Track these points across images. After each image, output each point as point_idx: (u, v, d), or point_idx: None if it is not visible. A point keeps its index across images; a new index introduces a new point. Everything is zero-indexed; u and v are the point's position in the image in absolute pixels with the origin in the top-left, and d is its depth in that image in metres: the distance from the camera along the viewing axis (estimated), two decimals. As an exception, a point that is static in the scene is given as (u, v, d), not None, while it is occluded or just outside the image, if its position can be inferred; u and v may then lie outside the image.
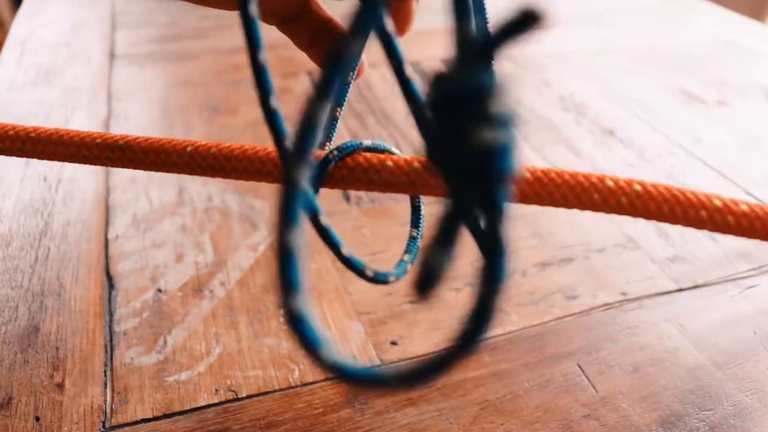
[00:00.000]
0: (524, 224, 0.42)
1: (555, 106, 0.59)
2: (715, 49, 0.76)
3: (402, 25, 0.25)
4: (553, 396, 0.30)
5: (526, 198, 0.20)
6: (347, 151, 0.20)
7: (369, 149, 0.21)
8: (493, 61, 0.12)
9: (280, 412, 0.29)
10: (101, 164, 0.21)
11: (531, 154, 0.51)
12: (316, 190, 0.19)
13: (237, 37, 0.66)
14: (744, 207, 0.19)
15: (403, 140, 0.52)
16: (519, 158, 0.12)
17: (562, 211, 0.44)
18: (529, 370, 0.31)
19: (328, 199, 0.44)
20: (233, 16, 0.26)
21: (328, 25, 0.27)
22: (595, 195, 0.19)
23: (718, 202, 0.19)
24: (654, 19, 0.86)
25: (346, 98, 0.23)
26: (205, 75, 0.62)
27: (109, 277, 0.36)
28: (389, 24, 0.21)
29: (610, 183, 0.19)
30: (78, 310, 0.34)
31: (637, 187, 0.19)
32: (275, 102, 0.17)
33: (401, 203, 0.44)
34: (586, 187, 0.19)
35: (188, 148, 0.22)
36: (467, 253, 0.39)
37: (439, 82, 0.12)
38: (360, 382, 0.14)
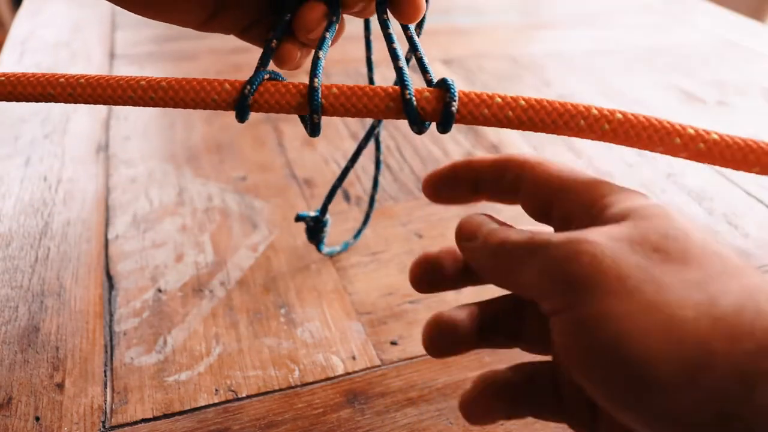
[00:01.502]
0: (524, 224, 0.42)
1: (555, 106, 0.59)
2: (715, 48, 0.76)
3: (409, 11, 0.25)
4: (553, 396, 0.30)
5: (522, 124, 0.22)
6: (257, 83, 0.23)
7: (271, 78, 0.23)
8: None
9: (280, 412, 0.29)
10: (145, 105, 0.23)
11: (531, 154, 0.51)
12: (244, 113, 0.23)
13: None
14: (715, 136, 0.21)
15: (404, 140, 0.52)
16: None
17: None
18: (529, 370, 0.31)
19: (328, 199, 0.44)
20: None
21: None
22: (582, 121, 0.21)
23: (691, 131, 0.21)
24: (654, 19, 0.86)
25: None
26: (205, 75, 0.61)
27: (109, 277, 0.36)
28: None
29: (595, 111, 0.21)
30: (78, 310, 0.34)
31: (619, 116, 0.21)
32: None
33: (401, 203, 0.44)
34: (573, 114, 0.21)
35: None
36: (467, 253, 0.39)
37: None
38: None
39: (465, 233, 0.22)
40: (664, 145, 0.21)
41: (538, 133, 0.54)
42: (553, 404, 0.22)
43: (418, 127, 0.22)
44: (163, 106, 0.23)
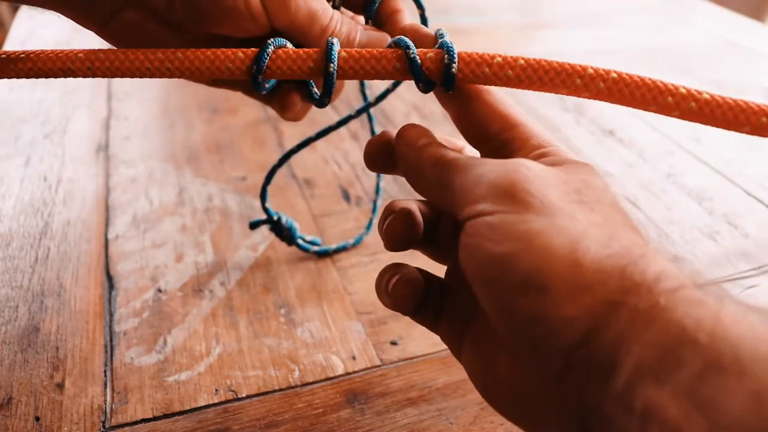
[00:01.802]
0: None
1: (555, 105, 0.59)
2: (715, 48, 0.76)
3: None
4: (553, 396, 0.30)
5: (521, 82, 0.23)
6: (270, 48, 0.24)
7: (279, 46, 0.24)
8: None
9: (280, 412, 0.29)
10: (162, 76, 0.24)
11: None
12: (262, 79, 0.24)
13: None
14: (706, 96, 0.22)
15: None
16: None
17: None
18: (529, 370, 0.31)
19: (328, 200, 0.44)
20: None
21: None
22: (578, 80, 0.22)
23: (683, 90, 0.22)
24: (654, 18, 0.86)
25: None
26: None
27: (109, 277, 0.36)
28: None
29: (591, 71, 0.22)
30: (78, 310, 0.34)
31: (614, 75, 0.22)
32: None
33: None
34: (570, 73, 0.22)
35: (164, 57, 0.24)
36: (467, 253, 0.39)
37: None
38: None
39: (406, 139, 0.24)
40: (656, 104, 0.22)
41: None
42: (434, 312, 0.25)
43: (425, 85, 0.24)
44: (179, 77, 0.24)
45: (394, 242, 0.25)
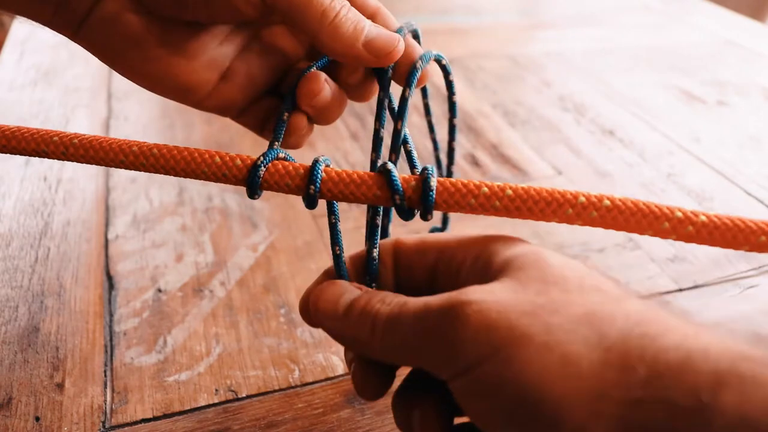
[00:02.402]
0: (524, 224, 0.42)
1: (555, 105, 0.59)
2: (715, 48, 0.76)
3: None
4: (553, 396, 0.30)
5: (509, 213, 0.22)
6: (269, 159, 0.24)
7: (285, 159, 0.25)
8: None
9: (280, 412, 0.29)
10: (137, 170, 0.24)
11: (531, 154, 0.51)
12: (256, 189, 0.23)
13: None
14: (703, 218, 0.21)
15: (403, 140, 0.52)
16: None
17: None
18: (529, 370, 0.31)
19: (328, 199, 0.44)
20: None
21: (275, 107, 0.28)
22: (570, 209, 0.21)
23: (679, 214, 0.21)
24: (654, 18, 0.86)
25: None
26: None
27: (109, 277, 0.36)
28: None
29: (583, 199, 0.21)
30: (78, 310, 0.34)
31: (607, 202, 0.21)
32: None
33: (401, 203, 0.44)
34: (561, 203, 0.21)
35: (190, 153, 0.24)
36: (467, 253, 0.39)
37: None
38: None
39: (324, 309, 0.21)
40: (653, 229, 0.21)
41: (539, 135, 0.54)
42: None
43: (405, 216, 0.23)
44: (171, 175, 0.24)
45: (367, 394, 0.22)
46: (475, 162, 0.49)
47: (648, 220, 0.21)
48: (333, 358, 0.32)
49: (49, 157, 0.24)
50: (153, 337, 0.32)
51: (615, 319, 0.16)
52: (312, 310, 0.21)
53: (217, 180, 0.23)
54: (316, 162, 0.24)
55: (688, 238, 0.21)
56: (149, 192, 0.44)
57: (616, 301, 0.17)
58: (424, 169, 0.23)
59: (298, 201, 0.44)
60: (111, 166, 0.23)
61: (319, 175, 0.23)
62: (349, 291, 0.21)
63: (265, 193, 0.44)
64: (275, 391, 0.30)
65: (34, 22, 0.24)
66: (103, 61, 0.25)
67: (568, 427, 0.15)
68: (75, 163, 0.24)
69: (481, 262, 0.21)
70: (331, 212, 0.24)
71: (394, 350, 0.19)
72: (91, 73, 0.61)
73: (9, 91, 0.57)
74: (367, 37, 0.23)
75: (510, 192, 0.22)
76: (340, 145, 0.51)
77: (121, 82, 0.60)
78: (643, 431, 0.15)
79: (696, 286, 0.38)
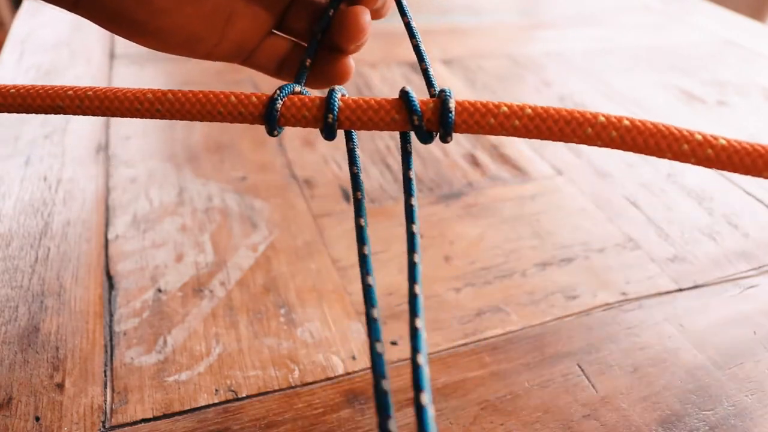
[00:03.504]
0: (524, 224, 0.42)
1: (555, 105, 0.59)
2: (715, 48, 0.76)
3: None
4: (553, 396, 0.30)
5: (528, 132, 0.22)
6: (286, 92, 0.24)
7: (293, 93, 0.24)
8: None
9: (280, 412, 0.29)
10: (153, 117, 0.23)
11: (531, 154, 0.51)
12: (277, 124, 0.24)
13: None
14: (722, 141, 0.21)
15: (403, 140, 0.52)
16: None
17: (562, 212, 0.44)
18: (529, 370, 0.31)
19: (328, 200, 0.44)
20: (233, 16, 0.26)
21: (295, 45, 0.28)
22: (589, 129, 0.21)
23: (699, 137, 0.21)
24: (654, 18, 0.86)
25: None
26: (205, 75, 0.62)
27: (109, 277, 0.36)
28: None
29: (602, 119, 0.21)
30: (78, 310, 0.34)
31: (626, 123, 0.21)
32: None
33: (400, 203, 0.44)
34: (581, 122, 0.21)
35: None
36: (467, 254, 0.39)
37: None
38: None
39: None
40: (672, 152, 0.21)
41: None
42: None
43: (424, 139, 0.23)
44: (187, 119, 0.24)
45: None
46: (475, 162, 0.49)
47: (667, 141, 0.21)
48: (333, 358, 0.32)
49: (65, 112, 0.23)
50: (153, 337, 0.32)
51: None
52: None
53: (233, 120, 0.23)
54: (332, 91, 0.23)
55: (708, 162, 0.21)
56: (149, 192, 0.44)
57: None
58: (442, 91, 0.23)
59: (298, 201, 0.44)
60: (127, 116, 0.23)
61: (336, 103, 0.23)
62: None
63: (266, 193, 0.45)
64: (275, 391, 0.30)
65: None
66: (107, 28, 0.24)
67: None
68: (88, 116, 0.24)
69: None
70: (350, 139, 0.24)
71: None
72: (92, 74, 0.61)
73: (9, 91, 0.57)
74: None
75: (530, 111, 0.22)
76: (340, 145, 0.51)
77: (121, 82, 0.60)
78: None
79: (696, 286, 0.38)
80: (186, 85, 0.59)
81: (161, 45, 0.25)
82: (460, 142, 0.52)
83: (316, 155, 0.49)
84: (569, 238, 0.41)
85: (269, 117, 0.23)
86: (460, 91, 0.60)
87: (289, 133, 0.52)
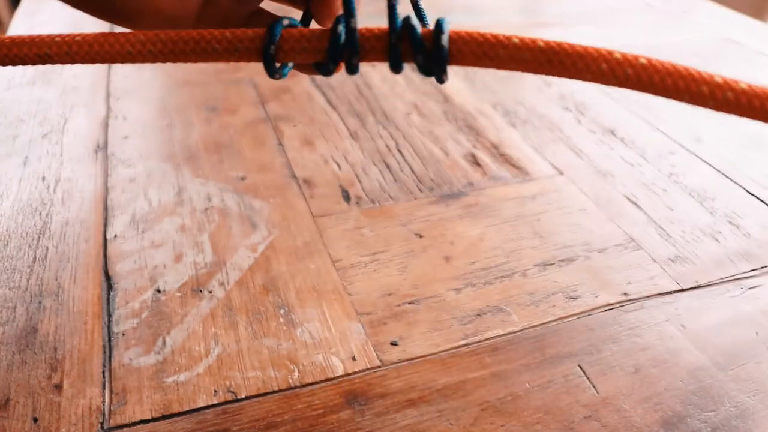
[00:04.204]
0: (525, 224, 0.42)
1: (556, 104, 0.59)
2: (717, 48, 0.76)
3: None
4: (554, 397, 0.30)
5: (540, 66, 0.21)
6: (282, 25, 0.22)
7: (290, 26, 0.23)
8: None
9: (280, 413, 0.28)
10: (145, 60, 0.23)
11: (532, 154, 0.51)
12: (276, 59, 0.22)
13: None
14: (743, 85, 0.20)
15: (403, 139, 0.52)
16: None
17: (563, 212, 0.44)
18: (530, 370, 0.31)
19: (328, 200, 0.44)
20: (232, 15, 0.26)
21: None
22: (604, 65, 0.20)
23: (719, 80, 0.20)
24: (654, 17, 0.86)
25: None
26: (204, 74, 0.61)
27: (108, 278, 0.36)
28: None
29: (618, 55, 0.20)
30: (76, 311, 0.33)
31: (643, 60, 0.20)
32: None
33: (401, 203, 0.44)
34: (595, 57, 0.20)
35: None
36: (468, 254, 0.39)
37: None
38: None
39: None
40: (689, 93, 0.20)
41: (539, 134, 0.54)
42: None
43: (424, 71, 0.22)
44: (181, 61, 0.22)
45: None
46: (475, 162, 0.49)
47: (686, 82, 0.20)
48: (333, 359, 0.31)
49: (53, 62, 0.23)
50: (152, 338, 0.32)
51: None
52: None
53: (229, 57, 0.22)
54: (337, 22, 0.22)
55: (727, 107, 0.20)
56: (148, 192, 0.44)
57: None
58: (438, 20, 0.22)
59: (298, 201, 0.43)
60: (118, 61, 0.23)
61: (342, 34, 0.22)
62: None
63: (265, 193, 0.44)
64: (275, 392, 0.30)
65: None
66: (89, 13, 0.25)
67: None
68: (81, 64, 0.23)
69: None
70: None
71: None
72: (90, 72, 0.61)
73: (7, 90, 0.57)
74: None
75: (542, 44, 0.21)
76: (340, 144, 0.51)
77: (120, 81, 0.60)
78: None
79: (697, 287, 0.37)
80: (186, 85, 0.59)
81: (142, 27, 0.25)
82: (461, 141, 0.52)
83: (315, 155, 0.49)
84: (570, 238, 0.41)
85: (267, 52, 0.22)
86: (460, 91, 0.60)
87: (289, 132, 0.52)
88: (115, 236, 0.39)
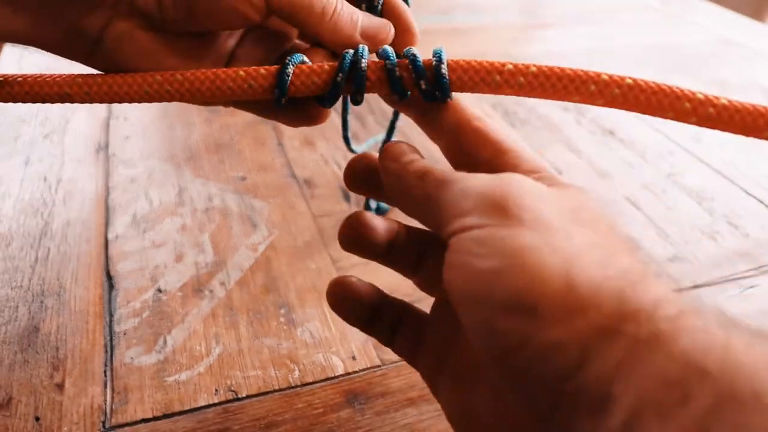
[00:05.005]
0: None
1: (555, 105, 0.59)
2: (715, 48, 0.76)
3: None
4: (553, 396, 0.30)
5: (533, 90, 0.22)
6: (295, 60, 0.24)
7: (302, 62, 0.24)
8: None
9: (280, 413, 0.29)
10: (162, 100, 0.23)
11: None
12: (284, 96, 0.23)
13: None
14: (724, 101, 0.21)
15: (403, 139, 0.52)
16: None
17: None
18: (529, 370, 0.31)
19: (328, 200, 0.44)
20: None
21: None
22: (592, 86, 0.22)
23: (701, 96, 0.21)
24: (654, 18, 0.86)
25: None
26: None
27: (109, 277, 0.36)
28: None
29: (605, 77, 0.22)
30: (78, 310, 0.34)
31: (629, 81, 0.21)
32: None
33: (401, 203, 0.44)
34: (584, 80, 0.22)
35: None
36: (467, 253, 0.39)
37: None
38: None
39: (391, 154, 0.23)
40: (674, 111, 0.21)
41: (539, 135, 0.54)
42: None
43: (427, 97, 0.23)
44: (197, 102, 0.23)
45: (342, 242, 0.26)
46: (475, 162, 0.49)
47: (669, 100, 0.21)
48: (333, 358, 0.32)
49: (72, 101, 0.23)
50: (153, 337, 0.32)
51: (622, 259, 0.17)
52: (382, 150, 0.24)
53: (243, 94, 0.23)
54: (345, 54, 0.23)
55: (709, 122, 0.21)
56: (149, 192, 0.44)
57: (628, 253, 0.18)
58: (434, 51, 0.24)
59: (298, 201, 0.44)
60: (136, 101, 0.23)
61: (348, 63, 0.23)
62: (414, 149, 0.24)
63: (265, 193, 0.45)
64: (275, 391, 0.30)
65: (41, 50, 0.24)
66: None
67: (538, 321, 0.15)
68: (96, 104, 0.24)
69: (534, 175, 0.21)
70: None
71: (429, 195, 0.20)
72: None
73: (9, 91, 0.57)
74: (362, 26, 0.25)
75: (534, 69, 0.22)
76: (340, 145, 0.51)
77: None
78: (600, 359, 0.15)
79: (696, 286, 0.38)
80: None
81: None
82: (460, 141, 0.52)
83: (316, 155, 0.49)
84: (569, 238, 0.41)
85: (281, 82, 0.23)
86: (460, 91, 0.60)
87: (289, 133, 0.52)
88: (117, 236, 0.39)
